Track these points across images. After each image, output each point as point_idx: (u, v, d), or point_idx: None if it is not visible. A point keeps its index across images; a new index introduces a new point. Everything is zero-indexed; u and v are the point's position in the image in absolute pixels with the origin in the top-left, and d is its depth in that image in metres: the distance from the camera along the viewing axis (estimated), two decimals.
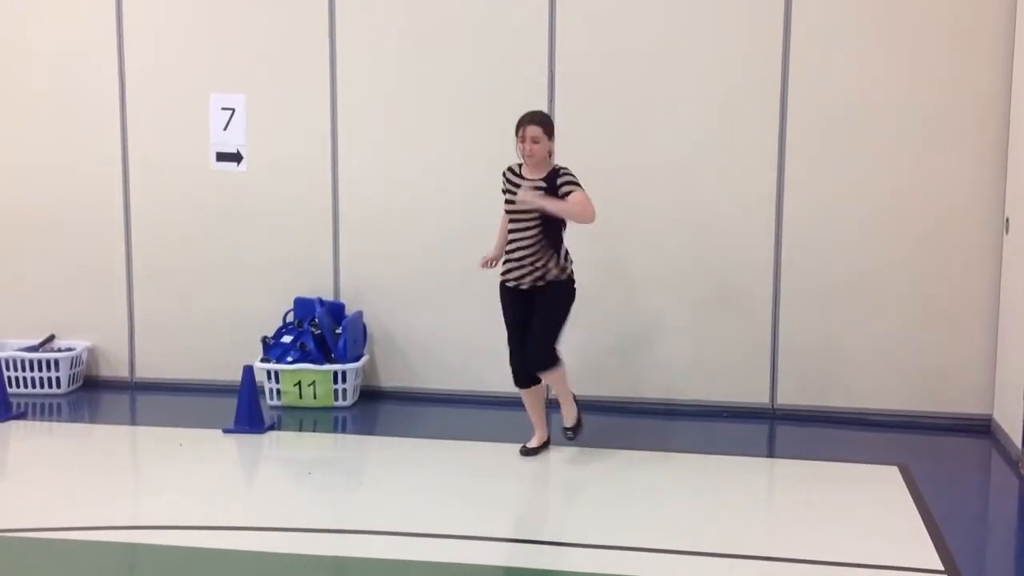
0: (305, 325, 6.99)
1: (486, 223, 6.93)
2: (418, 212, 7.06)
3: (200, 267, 7.31)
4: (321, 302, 7.06)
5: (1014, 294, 6.16)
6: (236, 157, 7.19)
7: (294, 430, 6.62)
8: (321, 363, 6.90)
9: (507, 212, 5.81)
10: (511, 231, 5.79)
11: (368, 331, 7.16)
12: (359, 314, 7.10)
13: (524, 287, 5.77)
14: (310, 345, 6.90)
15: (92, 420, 7.03)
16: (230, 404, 6.47)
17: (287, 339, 6.99)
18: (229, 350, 7.14)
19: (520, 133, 5.68)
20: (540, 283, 5.75)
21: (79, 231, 7.41)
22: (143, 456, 6.36)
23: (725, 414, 6.76)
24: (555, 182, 5.65)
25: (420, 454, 6.12)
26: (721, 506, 5.33)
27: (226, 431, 6.37)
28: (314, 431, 6.64)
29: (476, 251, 6.94)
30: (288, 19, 7.07)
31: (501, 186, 5.85)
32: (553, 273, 5.74)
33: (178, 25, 7.20)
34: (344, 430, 6.72)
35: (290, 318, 7.10)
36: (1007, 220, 6.36)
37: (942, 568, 4.56)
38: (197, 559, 4.65)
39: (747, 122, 6.65)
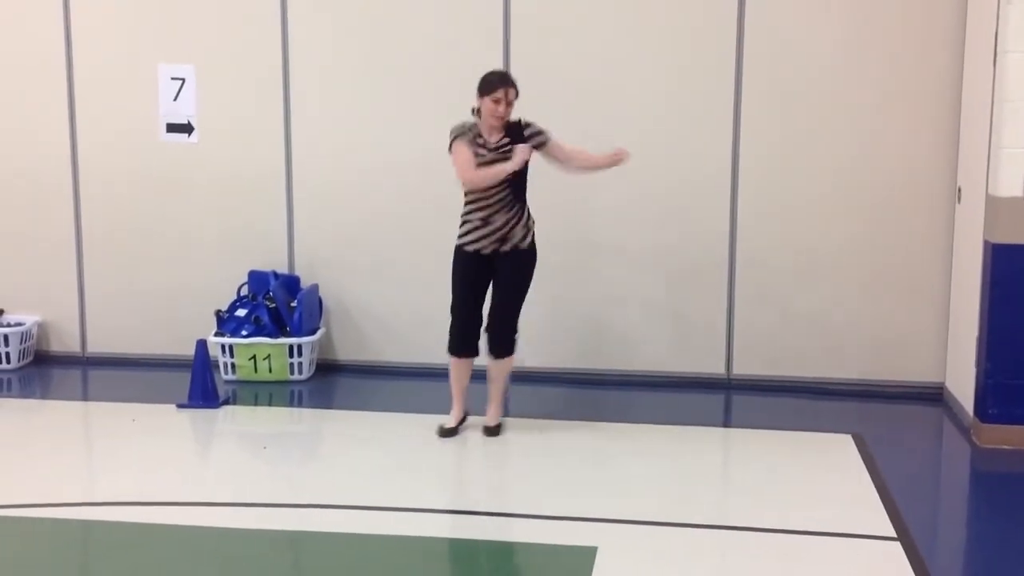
0: (259, 298, 6.93)
1: (441, 195, 6.91)
2: (373, 184, 7.00)
3: (152, 240, 7.21)
4: (275, 275, 6.99)
5: (965, 263, 6.22)
6: (187, 128, 7.09)
7: (249, 404, 6.57)
8: (276, 336, 6.85)
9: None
10: (470, 193, 5.61)
11: (324, 304, 7.11)
12: (314, 287, 7.05)
13: (486, 252, 5.65)
14: (265, 318, 6.84)
15: (43, 396, 6.93)
16: (184, 379, 6.41)
17: (241, 312, 6.92)
18: (182, 324, 7.07)
19: (499, 94, 5.49)
20: (504, 247, 5.63)
21: (27, 204, 7.28)
22: (96, 432, 6.29)
23: (688, 385, 6.78)
24: (523, 136, 5.57)
25: (377, 427, 6.10)
26: (677, 476, 5.36)
27: (180, 406, 6.31)
28: (269, 405, 6.59)
29: (432, 223, 6.94)
30: None
31: (466, 139, 5.59)
32: (519, 236, 5.63)
33: None
34: (300, 404, 6.68)
35: (244, 291, 7.04)
36: (959, 190, 6.42)
37: (895, 535, 4.61)
38: (151, 535, 4.61)
39: (702, 93, 6.65)
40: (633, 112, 6.68)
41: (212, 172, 7.11)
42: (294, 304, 6.87)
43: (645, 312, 6.83)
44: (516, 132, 5.60)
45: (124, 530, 4.67)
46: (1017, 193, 5.63)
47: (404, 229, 6.98)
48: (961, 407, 6.19)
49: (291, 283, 7.04)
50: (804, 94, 6.57)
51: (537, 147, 5.62)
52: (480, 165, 5.55)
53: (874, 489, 5.13)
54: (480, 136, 5.60)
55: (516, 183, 5.60)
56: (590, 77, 6.71)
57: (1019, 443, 5.73)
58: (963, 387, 6.16)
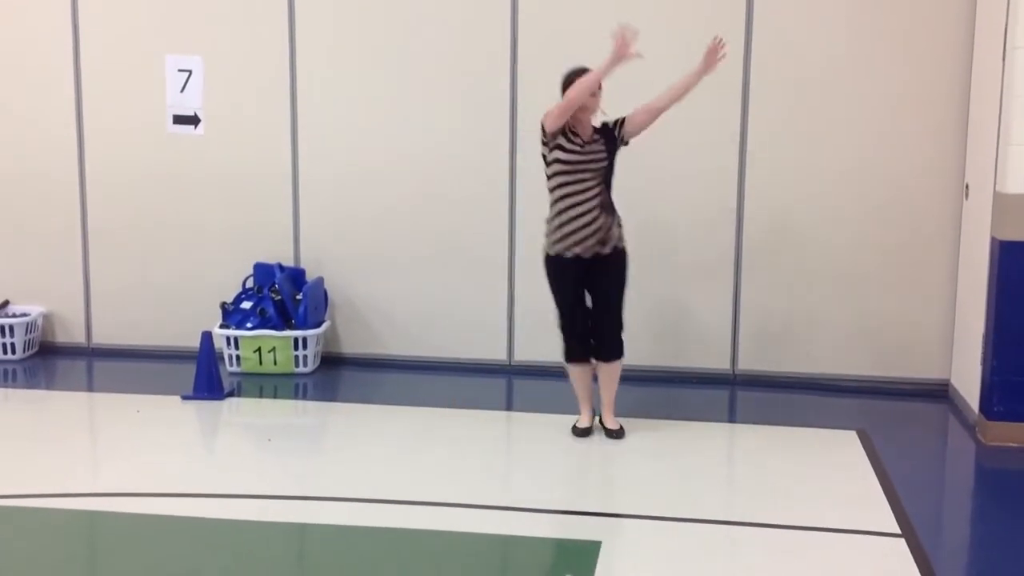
0: (265, 291, 6.93)
1: (448, 188, 6.93)
2: (379, 177, 6.99)
3: (158, 232, 7.22)
4: (281, 267, 6.99)
5: (973, 260, 6.21)
6: (193, 120, 7.08)
7: (254, 396, 6.57)
8: (281, 329, 6.85)
9: (566, 171, 5.47)
10: (568, 195, 5.46)
11: (329, 297, 7.11)
12: (320, 280, 7.04)
13: (586, 256, 5.51)
14: (270, 311, 6.84)
15: (48, 387, 6.93)
16: (189, 370, 6.41)
17: (247, 305, 6.92)
18: (188, 316, 7.07)
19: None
20: (605, 249, 5.53)
21: (33, 196, 7.28)
22: (100, 423, 6.30)
23: (694, 380, 6.78)
24: (614, 132, 5.51)
25: (381, 420, 6.10)
26: (682, 471, 5.35)
27: (185, 398, 6.31)
28: (274, 398, 6.59)
29: (438, 216, 6.95)
30: None
31: (557, 139, 5.47)
32: (616, 235, 5.55)
33: None
34: (304, 396, 6.67)
35: (250, 284, 7.03)
36: (966, 186, 6.40)
37: (899, 531, 4.60)
38: (155, 526, 4.61)
39: (709, 90, 6.60)
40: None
41: (218, 164, 7.10)
42: (299, 297, 6.87)
43: (651, 308, 6.82)
44: (607, 131, 5.52)
45: (128, 521, 4.67)
46: None
47: (410, 222, 6.98)
48: (967, 404, 6.17)
49: (297, 276, 7.04)
50: (812, 91, 6.55)
51: (622, 133, 5.52)
52: (571, 162, 5.45)
53: (879, 486, 5.12)
54: (575, 129, 5.49)
55: (608, 179, 5.52)
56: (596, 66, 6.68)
57: None
58: (969, 384, 6.14)
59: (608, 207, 5.52)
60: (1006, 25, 5.68)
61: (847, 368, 6.72)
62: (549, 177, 5.56)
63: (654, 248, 6.76)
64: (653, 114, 5.58)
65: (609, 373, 5.74)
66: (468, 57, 6.78)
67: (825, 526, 4.67)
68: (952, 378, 6.56)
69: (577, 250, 5.52)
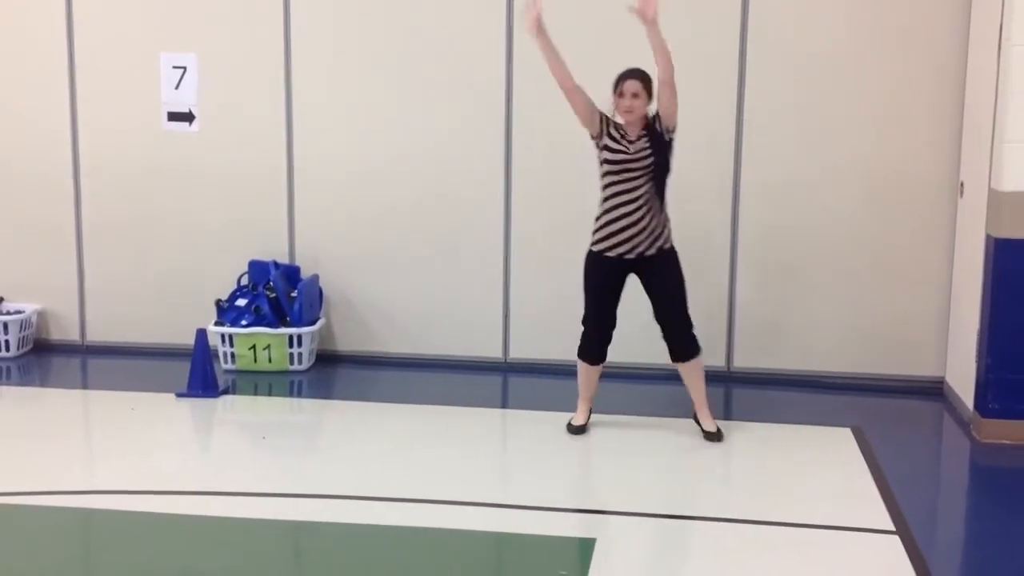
0: (260, 288, 6.92)
1: (443, 186, 6.92)
2: (375, 175, 6.98)
3: (152, 229, 7.20)
4: (276, 265, 6.98)
5: (967, 258, 6.21)
6: (188, 117, 7.07)
7: (249, 394, 6.56)
8: (276, 327, 6.84)
9: (612, 171, 5.44)
10: (614, 194, 5.44)
11: (324, 294, 7.10)
12: (315, 277, 7.04)
13: (630, 257, 5.48)
14: (265, 308, 6.83)
15: (42, 384, 6.93)
16: (183, 368, 6.40)
17: (241, 302, 6.91)
18: (182, 313, 7.05)
19: (621, 87, 5.40)
20: (651, 250, 5.47)
21: (27, 192, 7.26)
22: (95, 421, 6.29)
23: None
24: (655, 128, 5.45)
25: (376, 418, 6.10)
26: (677, 468, 5.35)
27: (179, 395, 6.30)
28: (269, 395, 6.58)
29: (435, 213, 6.94)
30: None
31: (603, 139, 5.46)
32: (664, 236, 5.51)
33: None
34: (300, 394, 6.67)
35: (244, 281, 7.02)
36: (961, 184, 6.40)
37: (894, 529, 4.61)
38: (150, 523, 4.61)
39: (705, 82, 6.62)
40: None
41: (213, 161, 7.09)
42: (294, 294, 6.86)
43: (644, 305, 6.80)
44: (653, 129, 5.48)
45: (123, 518, 4.67)
46: (1020, 187, 5.61)
47: (406, 219, 6.97)
48: (961, 401, 6.18)
49: (291, 273, 7.03)
50: (806, 88, 6.54)
51: (661, 124, 5.44)
52: (616, 161, 5.43)
53: (873, 483, 5.12)
54: (621, 129, 5.48)
55: (658, 179, 5.46)
56: (590, 67, 6.67)
57: (1019, 438, 5.71)
58: (963, 382, 6.15)
59: (656, 208, 5.46)
60: (1001, 22, 5.68)
61: (842, 365, 6.72)
62: (600, 176, 5.54)
63: None
64: (665, 85, 5.42)
65: (690, 373, 5.70)
66: (465, 56, 6.77)
67: (820, 523, 4.67)
68: (947, 375, 6.56)
69: (621, 250, 5.48)
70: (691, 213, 6.71)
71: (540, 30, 5.47)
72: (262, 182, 7.08)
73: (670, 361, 5.75)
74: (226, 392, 6.44)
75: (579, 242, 6.77)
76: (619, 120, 5.51)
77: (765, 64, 6.55)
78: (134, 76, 7.07)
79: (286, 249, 7.13)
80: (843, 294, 6.67)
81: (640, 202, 5.43)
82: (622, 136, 5.48)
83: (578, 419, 5.79)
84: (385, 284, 7.06)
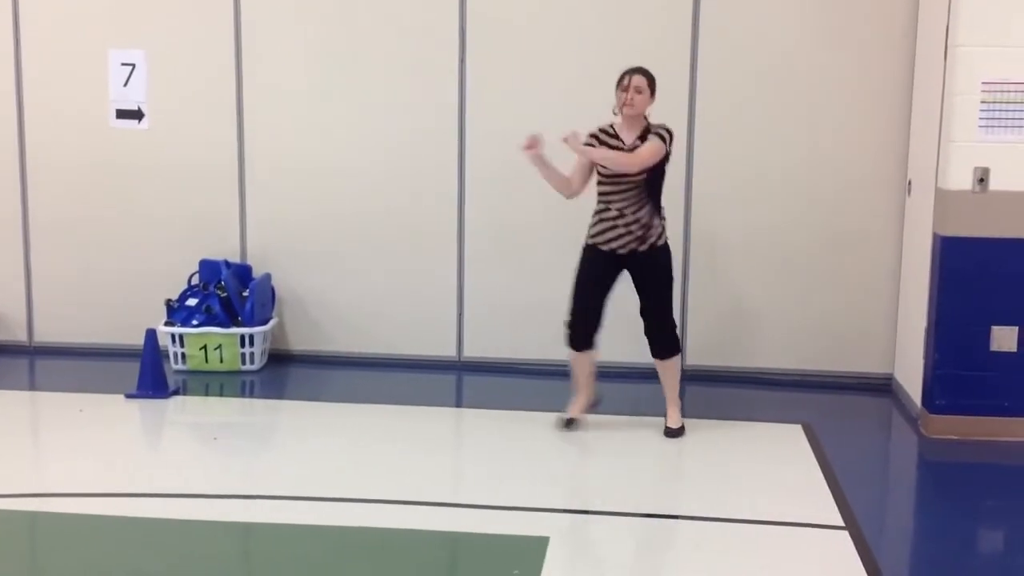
0: (211, 288, 6.86)
1: (399, 183, 6.90)
2: (326, 173, 6.95)
3: (102, 228, 7.12)
4: (227, 264, 6.93)
5: (915, 256, 6.29)
6: (137, 114, 7.00)
7: (200, 395, 6.51)
8: (227, 326, 6.78)
9: (606, 171, 5.49)
10: (607, 192, 5.50)
11: (276, 294, 7.05)
12: (267, 276, 6.99)
13: (623, 251, 5.53)
14: (216, 308, 6.78)
15: None
16: (133, 369, 6.33)
17: (192, 302, 6.85)
18: (132, 313, 6.97)
19: (624, 82, 5.44)
20: (643, 247, 5.53)
21: None
22: (43, 422, 6.20)
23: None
24: (646, 139, 5.49)
25: (328, 418, 6.07)
26: (629, 466, 5.37)
27: (129, 396, 6.23)
28: (220, 396, 6.53)
29: (388, 211, 6.92)
30: None
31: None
32: (656, 234, 5.54)
33: None
34: (251, 394, 6.62)
35: (195, 280, 6.96)
36: (909, 183, 6.48)
37: (843, 524, 4.66)
38: (99, 526, 4.55)
39: (658, 86, 6.64)
40: (589, 106, 6.66)
41: (163, 159, 7.02)
42: (246, 293, 6.81)
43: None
44: (646, 134, 5.50)
45: (71, 521, 4.61)
46: (966, 186, 5.69)
47: (358, 218, 6.94)
48: (909, 398, 6.26)
49: (243, 272, 6.98)
50: (756, 88, 6.60)
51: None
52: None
53: (823, 479, 5.18)
54: (615, 135, 5.53)
55: (650, 180, 5.49)
56: (543, 67, 6.70)
57: (965, 433, 5.80)
58: (911, 378, 6.23)
59: (643, 205, 5.49)
60: (948, 23, 5.76)
61: (792, 362, 6.79)
62: (596, 172, 5.59)
63: None
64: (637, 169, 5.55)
65: (665, 370, 5.76)
66: (416, 50, 6.75)
67: (769, 519, 4.71)
68: (895, 372, 6.65)
69: (613, 244, 5.54)
70: None
71: (541, 162, 5.52)
72: (212, 180, 7.02)
73: (650, 357, 5.79)
74: (176, 393, 6.39)
75: (534, 241, 6.82)
76: (618, 116, 5.53)
77: (716, 67, 6.60)
78: (82, 73, 6.99)
79: (237, 248, 7.07)
80: (793, 292, 6.74)
81: (630, 200, 5.48)
82: (615, 138, 5.53)
83: (568, 411, 5.80)
84: (338, 283, 7.03)
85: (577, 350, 5.73)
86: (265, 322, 6.90)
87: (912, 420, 6.10)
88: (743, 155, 6.66)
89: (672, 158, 5.59)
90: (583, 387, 5.81)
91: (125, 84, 6.97)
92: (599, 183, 5.58)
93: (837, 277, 6.70)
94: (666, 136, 5.48)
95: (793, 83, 6.58)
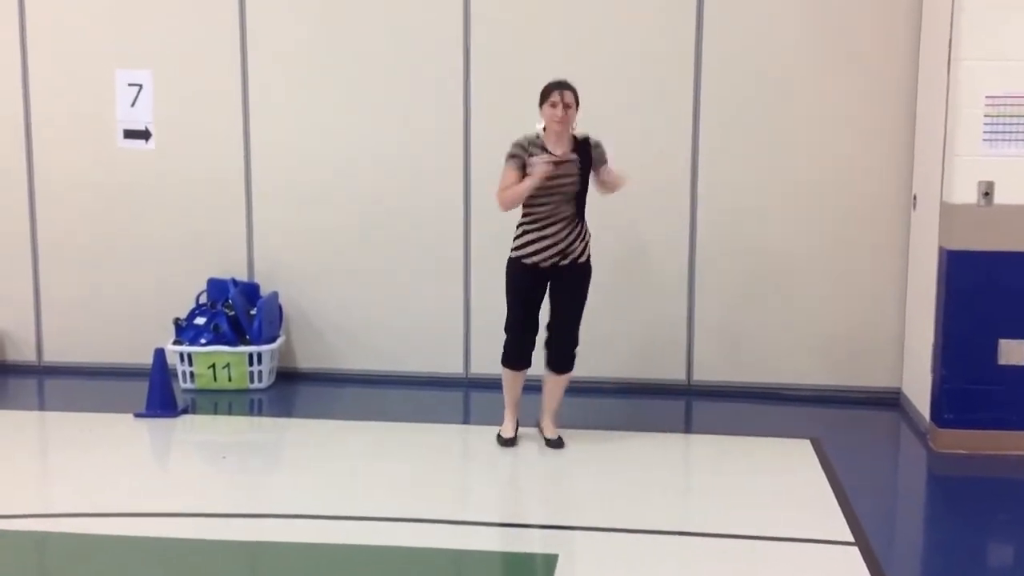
0: (219, 306, 6.88)
1: (402, 200, 6.92)
2: (333, 191, 6.97)
3: (110, 248, 7.14)
4: (235, 282, 6.95)
5: (921, 270, 6.29)
6: (144, 134, 7.03)
7: (208, 413, 6.52)
8: (235, 345, 6.80)
9: (538, 188, 5.45)
10: (537, 207, 5.50)
11: (283, 312, 7.07)
12: (274, 294, 7.01)
13: (544, 265, 5.58)
14: (224, 326, 6.80)
15: None
16: (142, 388, 6.34)
17: (200, 321, 6.87)
18: (140, 332, 6.99)
19: (554, 97, 5.44)
20: (564, 261, 5.57)
21: None
22: (52, 443, 6.21)
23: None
24: (588, 152, 5.52)
25: (338, 435, 6.08)
26: (639, 482, 5.36)
27: (138, 415, 6.25)
28: (229, 414, 6.55)
29: (393, 229, 6.93)
30: None
31: (516, 162, 5.51)
32: (579, 250, 5.59)
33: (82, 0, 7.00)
34: (260, 412, 6.63)
35: (203, 299, 6.98)
36: (914, 197, 6.49)
37: (852, 539, 4.65)
38: (108, 547, 4.56)
39: (660, 102, 6.68)
40: (591, 120, 6.67)
41: (170, 179, 7.05)
42: (253, 312, 6.83)
43: (606, 319, 6.84)
44: (584, 148, 5.54)
45: (81, 542, 4.61)
46: (971, 200, 5.70)
47: (365, 235, 6.96)
48: (918, 412, 6.25)
49: (250, 290, 7.00)
50: (762, 103, 6.61)
51: (596, 167, 5.56)
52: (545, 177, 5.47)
53: (832, 494, 5.17)
54: (545, 149, 5.52)
55: (577, 197, 5.54)
56: (545, 68, 6.69)
57: (974, 447, 5.79)
58: (919, 392, 6.22)
59: (569, 221, 5.53)
60: (950, 37, 5.77)
61: (800, 377, 6.78)
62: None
63: (608, 259, 6.78)
64: (604, 188, 5.66)
65: (557, 383, 5.80)
66: (421, 67, 6.78)
67: (779, 535, 4.70)
68: (903, 386, 6.64)
69: (535, 259, 5.56)
70: (650, 228, 6.77)
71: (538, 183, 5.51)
72: (220, 199, 7.05)
73: (545, 367, 5.80)
74: (185, 412, 6.40)
75: None
76: (543, 132, 5.53)
77: (720, 84, 6.61)
78: (89, 93, 7.02)
79: (245, 267, 7.09)
80: (800, 307, 6.73)
81: (558, 216, 5.52)
82: (545, 151, 5.52)
83: (507, 431, 5.83)
84: (345, 301, 7.05)
85: (514, 369, 5.77)
86: (273, 340, 6.91)
87: (920, 434, 6.09)
88: (748, 172, 6.67)
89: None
90: (515, 407, 5.86)
91: (132, 104, 7.00)
92: (531, 197, 5.52)
93: (845, 291, 6.70)
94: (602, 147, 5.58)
95: (797, 100, 6.59)
